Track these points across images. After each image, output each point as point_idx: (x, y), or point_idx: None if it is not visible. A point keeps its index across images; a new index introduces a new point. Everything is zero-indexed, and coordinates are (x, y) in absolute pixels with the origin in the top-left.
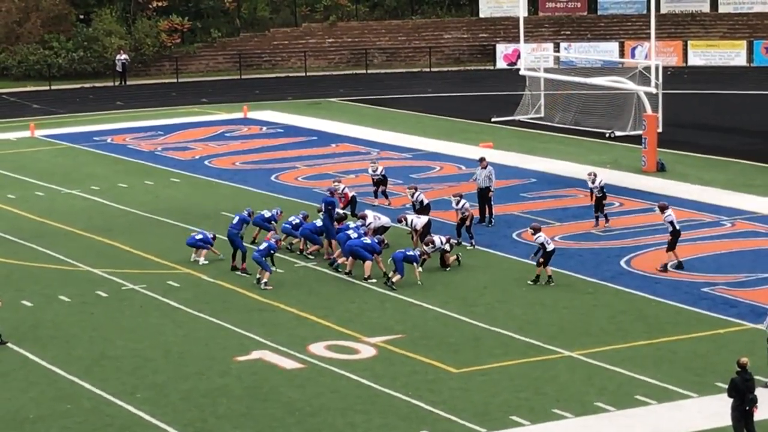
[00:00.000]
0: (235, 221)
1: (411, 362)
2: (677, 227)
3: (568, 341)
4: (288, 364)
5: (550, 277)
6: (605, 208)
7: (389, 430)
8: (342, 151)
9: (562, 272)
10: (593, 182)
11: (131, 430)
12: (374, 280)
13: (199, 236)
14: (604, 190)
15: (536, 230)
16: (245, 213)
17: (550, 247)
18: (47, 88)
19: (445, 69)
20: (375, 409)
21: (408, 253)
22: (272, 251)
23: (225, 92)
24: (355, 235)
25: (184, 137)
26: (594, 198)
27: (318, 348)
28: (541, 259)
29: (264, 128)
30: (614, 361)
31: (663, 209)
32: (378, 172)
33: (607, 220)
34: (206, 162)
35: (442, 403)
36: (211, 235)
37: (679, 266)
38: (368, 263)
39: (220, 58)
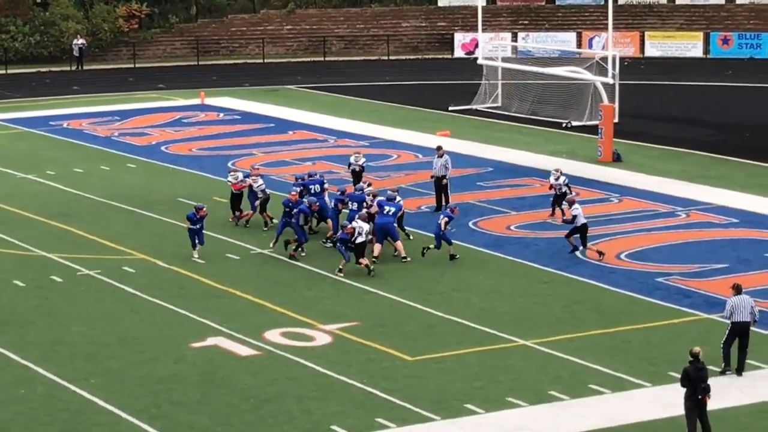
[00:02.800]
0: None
1: (366, 350)
2: (580, 223)
3: (523, 330)
4: (243, 350)
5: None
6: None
7: (344, 418)
8: (299, 138)
9: (518, 261)
10: (556, 179)
11: (86, 416)
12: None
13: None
14: (564, 190)
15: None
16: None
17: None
18: (3, 72)
19: (403, 57)
20: (330, 396)
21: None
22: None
23: (182, 78)
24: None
25: (141, 123)
26: (554, 190)
27: (274, 335)
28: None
29: (221, 114)
30: (568, 350)
31: (571, 203)
32: (360, 163)
33: (563, 213)
34: (163, 148)
35: (397, 390)
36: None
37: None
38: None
39: (178, 44)
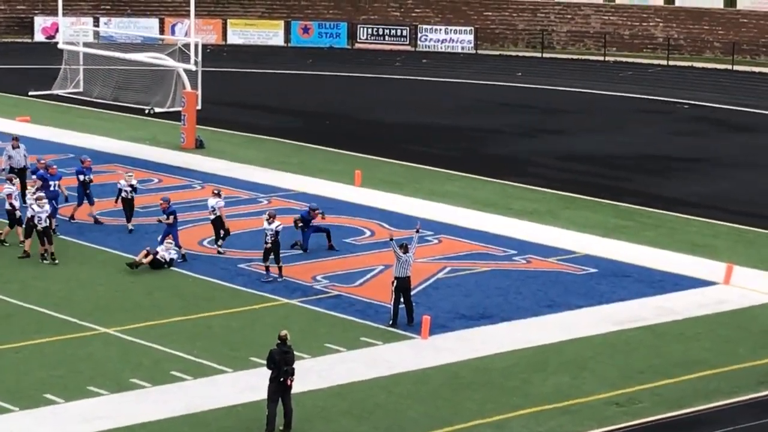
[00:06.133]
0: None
1: None
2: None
3: (104, 318)
4: None
5: (44, 254)
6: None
7: None
8: None
9: (99, 249)
10: (270, 224)
11: None
12: None
13: None
14: (278, 237)
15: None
16: None
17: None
18: None
19: None
20: None
21: None
22: None
23: None
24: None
25: None
26: (266, 243)
27: None
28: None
29: None
30: (150, 338)
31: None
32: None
33: (280, 272)
34: None
35: None
36: None
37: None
38: None
39: None
